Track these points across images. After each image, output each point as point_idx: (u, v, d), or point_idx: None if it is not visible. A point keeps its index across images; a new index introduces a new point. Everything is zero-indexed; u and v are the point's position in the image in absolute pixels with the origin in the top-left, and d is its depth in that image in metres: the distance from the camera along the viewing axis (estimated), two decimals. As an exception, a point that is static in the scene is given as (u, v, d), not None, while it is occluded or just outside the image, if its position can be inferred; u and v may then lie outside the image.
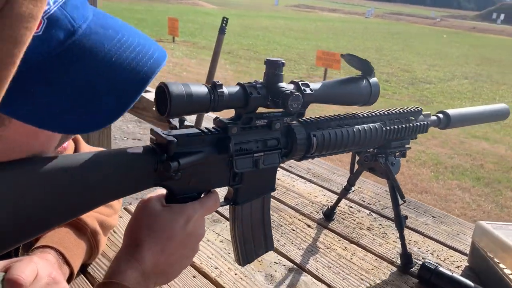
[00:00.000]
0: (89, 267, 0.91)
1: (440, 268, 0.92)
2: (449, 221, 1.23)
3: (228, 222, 1.12)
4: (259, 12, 28.95)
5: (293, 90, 0.72)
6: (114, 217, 0.97)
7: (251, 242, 0.82)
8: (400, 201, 1.00)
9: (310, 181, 1.42)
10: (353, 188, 1.13)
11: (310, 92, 0.76)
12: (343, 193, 1.14)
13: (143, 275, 0.59)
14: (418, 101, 8.50)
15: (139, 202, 0.66)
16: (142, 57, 0.49)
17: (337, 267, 0.99)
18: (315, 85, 0.79)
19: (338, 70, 9.42)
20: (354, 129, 0.87)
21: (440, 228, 1.19)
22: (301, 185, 1.38)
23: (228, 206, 0.79)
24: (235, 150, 0.70)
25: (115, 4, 20.03)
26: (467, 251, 1.07)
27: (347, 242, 1.10)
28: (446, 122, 1.05)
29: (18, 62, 0.35)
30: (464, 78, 11.28)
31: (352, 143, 0.87)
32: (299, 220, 1.18)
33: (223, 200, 0.75)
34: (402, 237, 1.00)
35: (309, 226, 1.15)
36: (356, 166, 1.08)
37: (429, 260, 0.97)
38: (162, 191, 0.68)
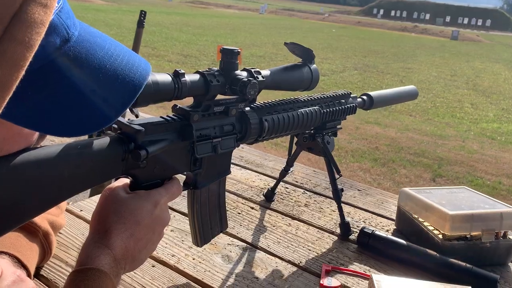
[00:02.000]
0: (42, 270, 0.87)
1: (377, 232, 1.04)
2: (373, 193, 1.37)
3: (175, 213, 1.14)
4: (153, 7, 28.19)
5: (250, 78, 0.77)
6: (62, 217, 0.94)
7: (208, 223, 0.86)
8: (336, 176, 1.10)
9: (244, 167, 1.48)
10: (291, 169, 1.21)
11: (262, 79, 0.81)
12: (283, 174, 1.21)
13: (114, 261, 0.60)
14: (315, 92, 9.01)
15: (104, 191, 0.66)
16: (132, 65, 0.51)
17: (285, 242, 1.06)
18: (265, 72, 0.84)
19: (240, 64, 9.67)
20: (298, 113, 0.95)
21: (366, 199, 1.32)
22: (238, 172, 1.43)
23: (186, 191, 0.82)
24: (197, 137, 0.73)
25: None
26: (393, 216, 1.21)
27: (290, 219, 1.17)
28: (370, 103, 1.17)
29: (27, 65, 0.36)
30: (354, 69, 12.10)
31: (296, 126, 0.95)
32: (242, 204, 1.23)
33: (182, 185, 0.78)
34: (340, 209, 1.10)
35: (252, 208, 1.21)
36: (294, 148, 1.16)
37: (366, 226, 1.08)
38: (125, 180, 0.69)
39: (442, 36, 27.53)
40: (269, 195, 1.26)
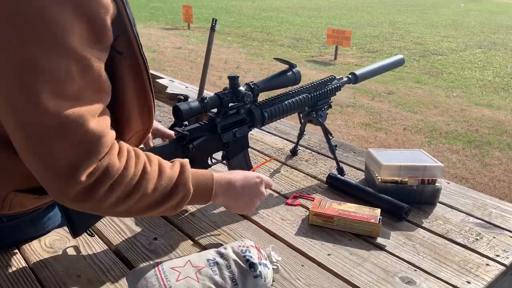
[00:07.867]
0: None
1: (338, 176, 1.49)
2: (363, 152, 1.78)
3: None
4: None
5: (246, 91, 1.27)
6: None
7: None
8: (330, 137, 1.56)
9: (275, 135, 2.00)
10: (305, 133, 1.70)
11: (257, 87, 1.32)
12: (299, 136, 1.71)
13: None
14: (428, 73, 8.66)
15: None
16: None
17: (281, 182, 1.57)
18: (259, 82, 1.33)
19: (348, 47, 9.76)
20: (290, 102, 1.43)
21: (356, 158, 1.75)
22: (267, 137, 1.97)
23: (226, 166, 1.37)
24: (221, 130, 1.27)
25: (134, -6, 20.48)
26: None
27: (289, 167, 1.67)
28: (355, 79, 1.58)
29: None
30: (478, 48, 11.31)
31: (290, 111, 1.43)
32: (261, 157, 1.76)
33: (221, 158, 1.34)
34: (336, 159, 1.56)
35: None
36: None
37: (334, 172, 1.54)
38: None
39: None
40: (293, 151, 1.78)
